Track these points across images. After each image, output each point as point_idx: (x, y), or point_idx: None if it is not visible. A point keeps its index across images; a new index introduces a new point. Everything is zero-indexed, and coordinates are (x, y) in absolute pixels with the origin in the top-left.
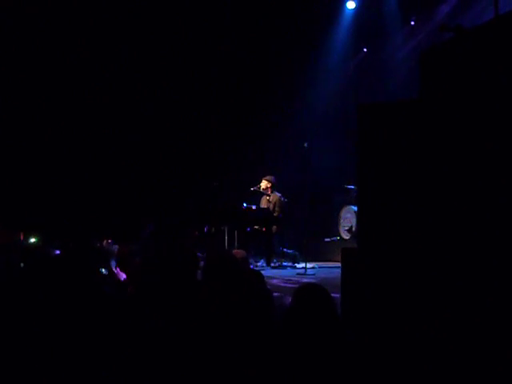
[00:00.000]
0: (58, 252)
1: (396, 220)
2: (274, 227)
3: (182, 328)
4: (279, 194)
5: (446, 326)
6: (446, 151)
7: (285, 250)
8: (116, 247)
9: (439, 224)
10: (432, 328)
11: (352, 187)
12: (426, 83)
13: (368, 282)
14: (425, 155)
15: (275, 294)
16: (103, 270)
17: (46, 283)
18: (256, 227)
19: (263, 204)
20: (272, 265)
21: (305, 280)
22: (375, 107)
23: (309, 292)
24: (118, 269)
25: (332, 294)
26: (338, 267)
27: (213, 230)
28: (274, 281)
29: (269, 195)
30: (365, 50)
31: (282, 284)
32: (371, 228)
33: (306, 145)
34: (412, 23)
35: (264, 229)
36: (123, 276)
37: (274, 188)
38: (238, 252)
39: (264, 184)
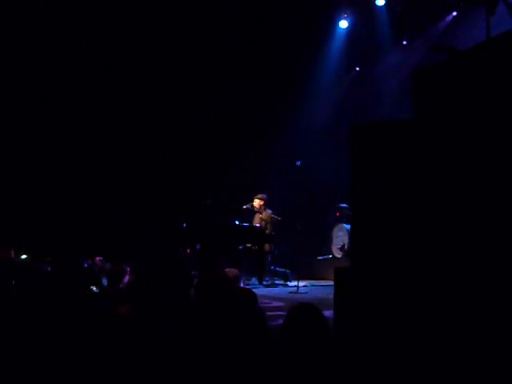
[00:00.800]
0: (48, 269)
1: (389, 239)
2: (267, 245)
3: (175, 345)
4: (270, 211)
5: (438, 345)
6: (440, 170)
7: (276, 268)
8: (108, 265)
9: (433, 243)
10: (424, 348)
11: (344, 205)
12: (419, 103)
13: (360, 301)
14: (418, 174)
15: (267, 313)
16: (94, 287)
17: (38, 300)
18: (248, 245)
19: (256, 222)
20: (264, 283)
21: (297, 299)
22: (368, 127)
23: (302, 312)
24: None
25: (325, 313)
26: (330, 285)
27: (205, 247)
28: (266, 299)
29: (261, 213)
30: (357, 68)
31: (274, 303)
32: (364, 247)
33: (298, 163)
34: (404, 43)
35: (256, 247)
36: None
37: (266, 206)
38: (231, 271)
39: (257, 202)
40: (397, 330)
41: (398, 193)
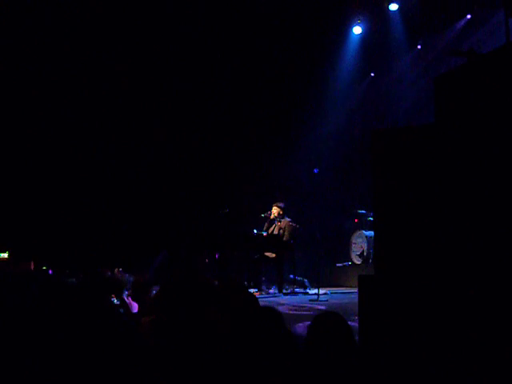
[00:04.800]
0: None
1: (413, 246)
2: (285, 253)
3: (195, 357)
4: (289, 219)
5: (466, 355)
6: (464, 176)
7: (296, 277)
8: (128, 276)
9: (459, 248)
10: (452, 357)
11: (363, 212)
12: (441, 108)
13: (386, 310)
14: (443, 180)
15: (289, 322)
16: (115, 299)
17: (62, 312)
18: (267, 253)
19: (274, 230)
20: (284, 291)
21: (318, 306)
22: (390, 132)
23: (327, 321)
24: (129, 299)
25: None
26: (350, 293)
27: (224, 257)
28: (287, 308)
29: (279, 221)
30: (372, 74)
31: (295, 311)
32: (388, 254)
33: (316, 171)
34: (419, 47)
35: (275, 255)
36: (135, 307)
37: (284, 213)
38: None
39: (276, 210)
40: (424, 340)
41: (422, 198)
